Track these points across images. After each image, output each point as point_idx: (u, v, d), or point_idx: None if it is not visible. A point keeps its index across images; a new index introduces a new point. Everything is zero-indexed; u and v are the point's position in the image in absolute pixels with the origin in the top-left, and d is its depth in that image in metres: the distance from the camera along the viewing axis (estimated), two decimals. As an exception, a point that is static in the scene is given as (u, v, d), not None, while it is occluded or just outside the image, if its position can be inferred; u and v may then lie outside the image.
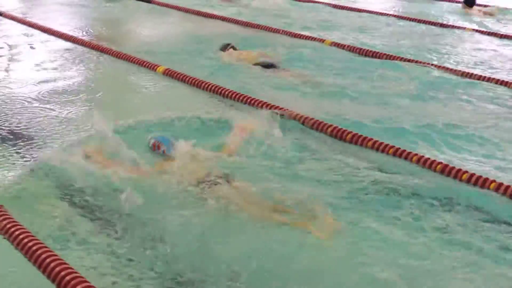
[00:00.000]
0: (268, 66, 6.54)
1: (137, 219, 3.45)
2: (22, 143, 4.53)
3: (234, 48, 6.90)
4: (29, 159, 4.25)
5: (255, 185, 3.76)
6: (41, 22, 8.90)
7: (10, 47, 7.75)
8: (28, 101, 5.50)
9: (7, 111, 5.23)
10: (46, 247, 3.03)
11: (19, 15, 9.50)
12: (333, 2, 11.05)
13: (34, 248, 3.02)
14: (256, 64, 6.58)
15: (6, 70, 6.55)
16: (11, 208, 3.47)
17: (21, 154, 4.34)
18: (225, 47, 6.87)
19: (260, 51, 6.97)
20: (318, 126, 4.87)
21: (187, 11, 10.07)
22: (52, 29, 8.39)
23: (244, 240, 3.29)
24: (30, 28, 8.66)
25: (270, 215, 3.53)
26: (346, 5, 10.88)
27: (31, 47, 7.70)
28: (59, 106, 5.37)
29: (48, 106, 5.38)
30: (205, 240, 3.25)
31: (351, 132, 4.68)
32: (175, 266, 3.04)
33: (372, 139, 4.57)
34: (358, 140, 4.60)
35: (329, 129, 4.79)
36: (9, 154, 4.34)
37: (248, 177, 3.90)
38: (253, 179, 3.88)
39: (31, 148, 4.46)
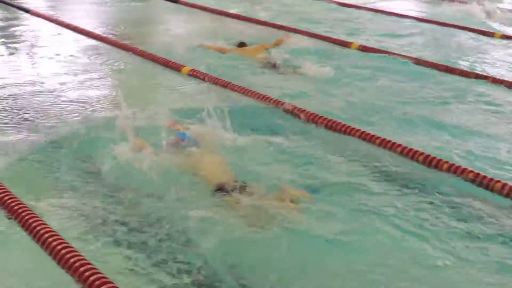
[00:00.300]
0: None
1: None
2: (50, 138, 4.53)
3: (244, 45, 7.11)
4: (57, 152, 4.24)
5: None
6: (67, 20, 8.95)
7: (37, 44, 7.82)
8: (54, 98, 5.52)
9: (35, 107, 5.25)
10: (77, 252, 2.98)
11: (46, 13, 9.57)
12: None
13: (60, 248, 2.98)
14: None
15: (33, 67, 6.57)
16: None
17: (49, 149, 4.34)
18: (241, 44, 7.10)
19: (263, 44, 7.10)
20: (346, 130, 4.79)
21: (212, 11, 10.04)
22: (78, 27, 8.41)
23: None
24: (57, 26, 8.72)
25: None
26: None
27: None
28: (83, 104, 5.36)
29: (73, 103, 5.38)
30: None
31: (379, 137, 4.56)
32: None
33: (401, 145, 4.43)
34: (387, 145, 4.48)
35: (358, 133, 4.69)
36: (40, 149, 4.33)
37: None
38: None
39: (58, 142, 4.45)
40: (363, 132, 4.67)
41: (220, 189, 3.66)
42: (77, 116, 5.04)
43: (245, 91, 5.64)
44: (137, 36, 8.21)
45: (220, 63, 6.76)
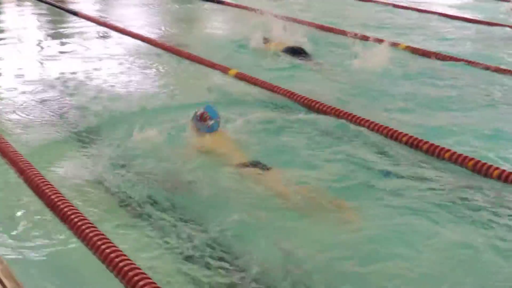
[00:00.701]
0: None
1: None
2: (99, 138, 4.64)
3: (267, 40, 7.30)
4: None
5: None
6: (114, 22, 9.15)
7: (84, 45, 8.02)
8: (101, 98, 5.64)
9: (83, 107, 5.38)
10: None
11: (94, 15, 9.80)
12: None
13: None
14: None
15: (81, 69, 6.73)
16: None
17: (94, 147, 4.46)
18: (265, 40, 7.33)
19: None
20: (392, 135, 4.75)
21: (258, 11, 10.02)
22: (125, 29, 8.59)
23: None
24: (104, 28, 8.91)
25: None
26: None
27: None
28: (129, 105, 5.43)
29: (119, 104, 5.46)
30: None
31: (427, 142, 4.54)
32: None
33: (450, 150, 4.38)
34: (435, 151, 4.45)
35: (404, 138, 4.66)
36: (85, 147, 4.47)
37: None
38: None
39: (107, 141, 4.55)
40: (411, 137, 4.62)
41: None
42: (122, 115, 5.14)
43: (291, 95, 5.66)
44: (183, 37, 8.34)
45: (266, 64, 6.84)
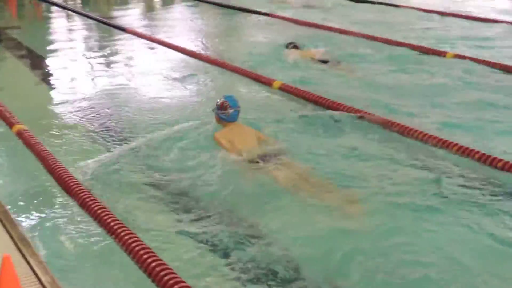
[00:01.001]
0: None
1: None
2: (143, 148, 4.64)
3: (296, 47, 7.43)
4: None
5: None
6: (161, 36, 9.28)
7: (132, 59, 8.20)
8: (147, 109, 5.73)
9: (130, 119, 5.49)
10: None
11: (141, 30, 9.95)
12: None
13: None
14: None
15: (128, 82, 6.85)
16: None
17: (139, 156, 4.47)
18: (289, 45, 7.47)
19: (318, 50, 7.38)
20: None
21: (305, 24, 10.00)
22: (171, 43, 8.67)
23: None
24: (151, 42, 9.01)
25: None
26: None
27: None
28: (173, 116, 5.46)
29: (165, 115, 5.51)
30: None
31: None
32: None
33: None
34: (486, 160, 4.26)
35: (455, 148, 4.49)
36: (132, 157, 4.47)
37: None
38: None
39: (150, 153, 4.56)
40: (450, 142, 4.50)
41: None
42: (166, 126, 5.11)
43: (338, 106, 5.54)
44: (227, 50, 8.36)
45: (310, 75, 6.77)
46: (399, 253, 3.11)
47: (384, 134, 4.85)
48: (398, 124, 4.93)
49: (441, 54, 7.52)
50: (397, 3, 11.66)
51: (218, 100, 4.42)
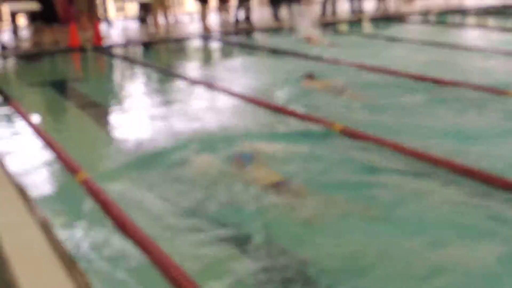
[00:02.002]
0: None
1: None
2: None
3: (311, 78, 8.41)
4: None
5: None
6: (221, 83, 9.32)
7: (191, 105, 8.23)
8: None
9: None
10: None
11: (201, 79, 10.05)
12: None
13: None
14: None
15: (188, 127, 6.80)
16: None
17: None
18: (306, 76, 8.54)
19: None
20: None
21: (361, 66, 9.87)
22: (230, 89, 8.70)
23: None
24: (211, 89, 9.05)
25: None
26: None
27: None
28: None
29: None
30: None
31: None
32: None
33: None
34: None
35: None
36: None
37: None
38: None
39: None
40: None
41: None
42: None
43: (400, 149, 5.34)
44: (286, 95, 8.25)
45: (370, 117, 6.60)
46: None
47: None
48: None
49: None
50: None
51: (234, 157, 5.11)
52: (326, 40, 13.08)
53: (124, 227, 4.01)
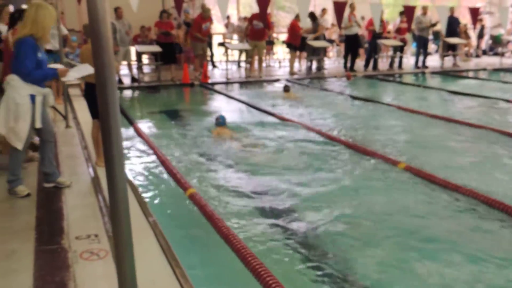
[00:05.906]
0: None
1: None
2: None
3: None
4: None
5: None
6: (299, 120, 9.62)
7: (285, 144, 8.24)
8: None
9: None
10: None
11: (288, 116, 10.28)
12: None
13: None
14: None
15: (256, 160, 7.05)
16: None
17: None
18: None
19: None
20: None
21: (430, 115, 10.04)
22: (309, 125, 9.10)
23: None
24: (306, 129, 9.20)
25: None
26: None
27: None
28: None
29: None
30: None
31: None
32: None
33: None
34: None
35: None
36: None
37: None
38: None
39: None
40: None
41: None
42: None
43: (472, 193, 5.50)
44: (359, 135, 8.61)
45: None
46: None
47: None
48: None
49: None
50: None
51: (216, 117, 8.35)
52: None
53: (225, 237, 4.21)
